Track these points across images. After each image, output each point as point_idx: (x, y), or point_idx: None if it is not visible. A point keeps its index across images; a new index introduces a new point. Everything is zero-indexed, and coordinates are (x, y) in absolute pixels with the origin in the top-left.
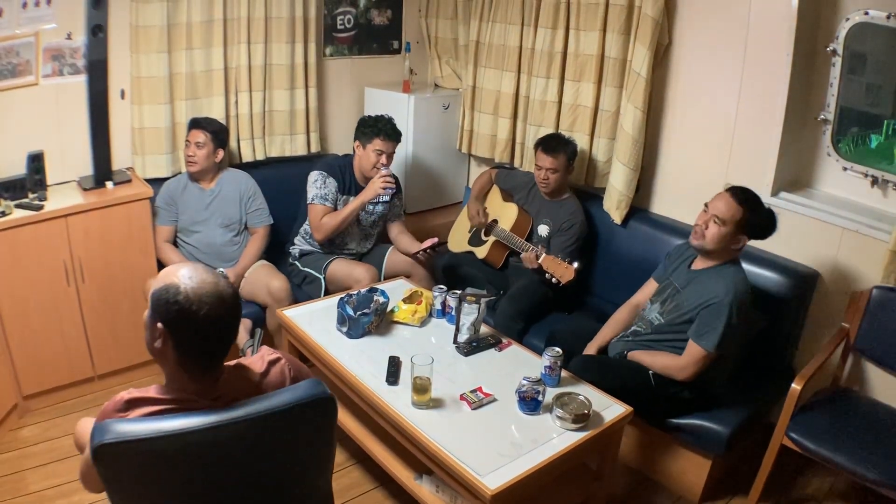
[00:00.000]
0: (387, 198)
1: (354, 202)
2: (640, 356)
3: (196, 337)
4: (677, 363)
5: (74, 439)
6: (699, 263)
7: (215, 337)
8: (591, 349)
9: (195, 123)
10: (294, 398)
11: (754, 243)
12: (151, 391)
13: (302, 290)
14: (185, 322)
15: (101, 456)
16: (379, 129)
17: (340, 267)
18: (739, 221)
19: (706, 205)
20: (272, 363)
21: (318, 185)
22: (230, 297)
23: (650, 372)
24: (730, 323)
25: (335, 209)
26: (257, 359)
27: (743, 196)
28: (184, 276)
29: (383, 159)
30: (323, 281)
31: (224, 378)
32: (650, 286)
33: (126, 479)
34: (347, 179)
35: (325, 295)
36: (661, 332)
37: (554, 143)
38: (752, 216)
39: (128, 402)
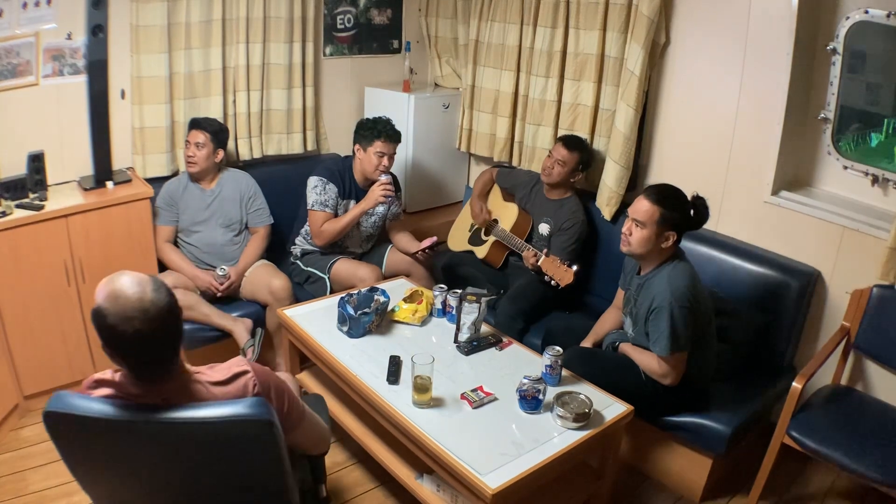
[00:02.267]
0: (389, 202)
1: (354, 210)
2: (629, 351)
3: (130, 354)
4: (657, 371)
5: None
6: (643, 269)
7: (148, 351)
8: (585, 344)
9: (195, 124)
10: (226, 414)
11: (755, 240)
12: (118, 376)
13: (305, 290)
14: (117, 342)
15: (46, 419)
16: (379, 131)
17: (344, 266)
18: (658, 220)
19: (628, 211)
20: (237, 375)
21: (317, 192)
22: (156, 309)
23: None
24: (674, 323)
25: (335, 215)
26: (225, 367)
27: (657, 195)
28: (110, 296)
29: (385, 161)
30: (328, 280)
31: (179, 382)
32: (620, 294)
33: (68, 447)
34: (347, 183)
35: (329, 294)
36: (636, 343)
37: (575, 141)
38: (669, 212)
39: (96, 381)
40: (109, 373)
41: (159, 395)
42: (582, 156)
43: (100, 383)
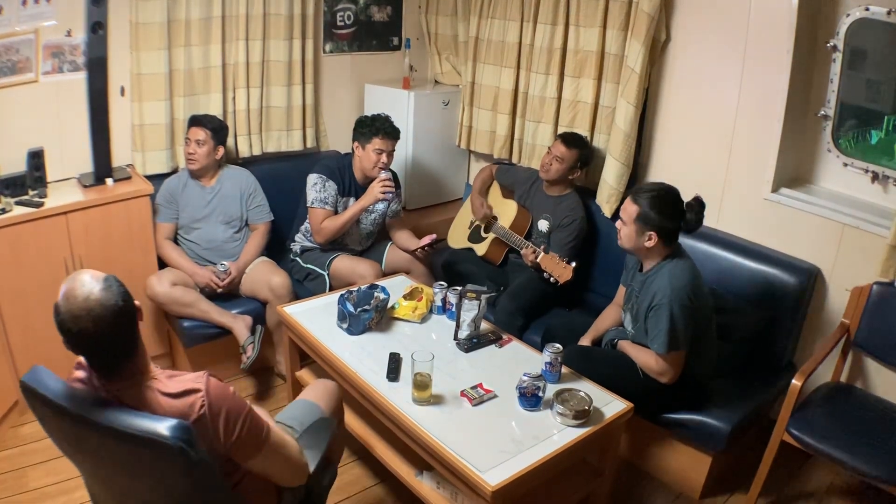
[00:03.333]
0: (388, 199)
1: (354, 207)
2: (627, 348)
3: (79, 351)
4: (655, 368)
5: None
6: (645, 266)
7: (95, 350)
8: (584, 341)
9: (195, 121)
10: (142, 428)
11: (754, 238)
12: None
13: (304, 287)
14: (66, 338)
15: (21, 388)
16: (377, 128)
17: (344, 263)
18: (635, 219)
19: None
20: (188, 392)
21: (317, 189)
22: (102, 309)
23: (638, 366)
24: (672, 321)
25: (335, 212)
26: (181, 380)
27: (641, 194)
28: (65, 294)
29: (384, 158)
30: (327, 277)
31: (131, 383)
32: (621, 291)
33: (39, 418)
34: (347, 181)
35: (329, 291)
36: (635, 340)
37: (574, 138)
38: (646, 212)
39: (78, 363)
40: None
41: (113, 394)
42: (581, 153)
43: (79, 366)
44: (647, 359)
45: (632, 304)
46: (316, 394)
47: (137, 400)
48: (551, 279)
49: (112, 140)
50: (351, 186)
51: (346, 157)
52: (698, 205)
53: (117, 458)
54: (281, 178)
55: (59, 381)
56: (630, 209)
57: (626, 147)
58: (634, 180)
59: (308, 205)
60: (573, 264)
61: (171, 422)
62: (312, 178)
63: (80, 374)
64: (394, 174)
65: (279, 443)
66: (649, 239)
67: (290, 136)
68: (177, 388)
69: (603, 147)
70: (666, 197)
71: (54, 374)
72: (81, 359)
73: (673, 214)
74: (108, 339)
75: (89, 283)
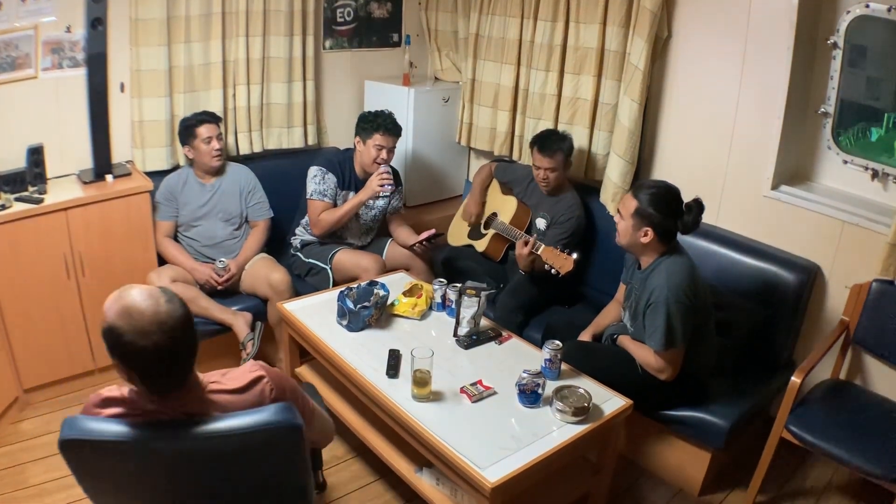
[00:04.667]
0: (387, 194)
1: (353, 200)
2: (627, 344)
3: (148, 369)
4: (653, 365)
5: None
6: (642, 263)
7: (166, 365)
8: (585, 336)
9: (209, 118)
10: (255, 423)
11: (754, 235)
12: (126, 393)
13: (306, 283)
14: (134, 359)
15: (64, 449)
16: (378, 124)
17: (346, 257)
18: (633, 214)
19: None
20: (254, 382)
21: (316, 181)
22: (172, 320)
23: (637, 362)
24: (669, 319)
25: (334, 205)
26: (238, 374)
27: (641, 190)
28: (122, 312)
29: (383, 154)
30: (330, 271)
31: (194, 394)
32: (622, 289)
33: (85, 472)
34: (347, 174)
35: (332, 285)
36: (635, 337)
37: (550, 142)
38: (644, 208)
39: (105, 399)
40: (116, 389)
41: (176, 409)
42: (564, 148)
43: (108, 402)
44: (645, 355)
45: (631, 302)
46: None
47: (206, 408)
48: (553, 271)
49: (112, 136)
50: (351, 180)
51: (348, 152)
52: (697, 207)
53: (207, 468)
54: (282, 174)
55: (106, 420)
56: (629, 204)
57: (630, 144)
58: (636, 177)
59: (307, 197)
60: (574, 255)
61: (274, 407)
62: (313, 171)
63: (116, 409)
64: (395, 171)
65: (318, 411)
66: (645, 235)
67: (290, 133)
68: (240, 383)
69: (603, 144)
70: (666, 195)
71: (93, 417)
72: (110, 393)
73: (671, 213)
74: (180, 351)
75: (151, 297)
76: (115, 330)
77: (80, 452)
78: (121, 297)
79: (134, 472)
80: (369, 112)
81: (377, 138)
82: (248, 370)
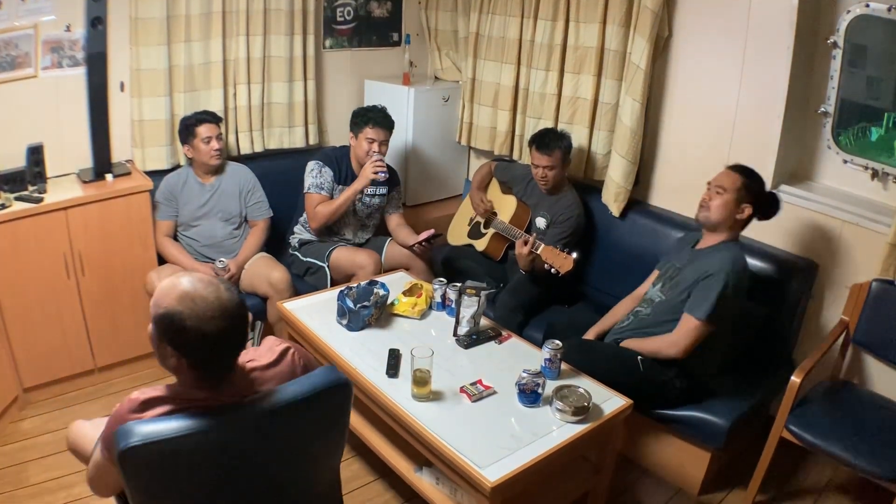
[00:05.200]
0: (383, 190)
1: (348, 190)
2: (632, 343)
3: (210, 355)
4: (669, 339)
5: (70, 445)
6: (702, 243)
7: (227, 349)
8: (589, 335)
9: (209, 117)
10: (313, 387)
11: (754, 234)
12: (165, 390)
13: (305, 282)
14: (197, 344)
15: (127, 459)
16: (368, 117)
17: (343, 254)
18: (739, 188)
19: (709, 183)
20: (282, 354)
21: (313, 175)
22: (233, 306)
23: (639, 357)
24: (724, 294)
25: (331, 198)
26: (265, 350)
27: (741, 167)
28: (183, 299)
29: (375, 147)
30: (327, 269)
31: (239, 375)
32: (653, 276)
33: (151, 479)
34: (344, 169)
35: (330, 284)
36: (660, 309)
37: (548, 140)
38: (750, 182)
39: (143, 402)
40: (151, 391)
41: (228, 393)
42: (562, 146)
43: (149, 404)
44: (655, 342)
45: (667, 277)
46: None
47: (250, 385)
48: (552, 270)
49: (111, 136)
50: (347, 175)
51: (345, 149)
52: (776, 197)
53: (282, 434)
54: (282, 174)
55: (167, 420)
56: (733, 178)
57: (632, 144)
58: (637, 178)
59: (304, 191)
60: (574, 255)
61: (322, 370)
62: (310, 165)
63: (162, 408)
64: (393, 170)
65: None
66: (742, 211)
67: (291, 133)
68: (272, 356)
69: (603, 144)
70: (759, 175)
71: (143, 421)
72: (147, 395)
73: (766, 193)
74: (240, 336)
75: (211, 283)
76: (176, 315)
77: (144, 458)
78: (178, 284)
79: (202, 464)
80: (361, 107)
81: (367, 131)
82: (274, 344)
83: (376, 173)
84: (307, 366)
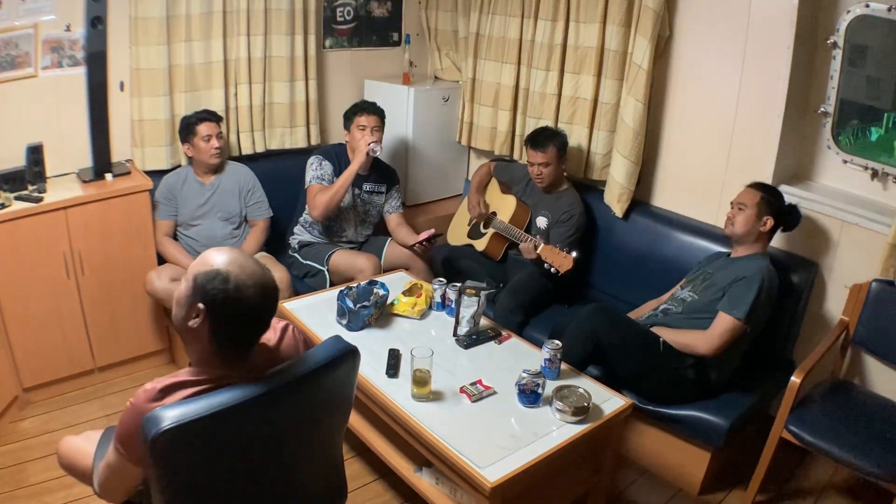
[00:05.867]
0: (382, 188)
1: (345, 172)
2: (663, 331)
3: (235, 323)
4: (704, 336)
5: (64, 462)
6: (735, 253)
7: (254, 325)
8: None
9: (210, 116)
10: (328, 355)
11: None
12: (182, 375)
13: (304, 284)
14: (230, 308)
15: (159, 445)
16: (357, 107)
17: (342, 258)
18: (758, 203)
19: (732, 202)
20: (283, 330)
21: (314, 168)
22: (273, 289)
23: (661, 340)
24: (759, 296)
25: None
26: (269, 329)
27: (759, 184)
28: (233, 262)
29: (368, 133)
30: (326, 272)
31: (254, 353)
32: (678, 284)
33: (184, 463)
34: (343, 163)
35: (329, 286)
36: (693, 309)
37: (541, 138)
38: (768, 195)
39: (161, 390)
40: (167, 378)
41: (248, 369)
42: (556, 143)
43: (167, 390)
44: (687, 336)
45: (698, 281)
46: None
47: (265, 362)
48: (552, 269)
49: (111, 135)
50: (346, 168)
51: (342, 145)
52: (796, 208)
53: (303, 406)
54: (283, 174)
55: (193, 401)
56: (751, 195)
57: (635, 144)
58: (639, 177)
59: (306, 185)
60: (574, 254)
61: (330, 340)
62: (310, 161)
63: (183, 392)
64: (392, 170)
65: None
66: (764, 224)
67: (293, 133)
68: (277, 334)
69: (603, 144)
70: (777, 190)
71: (167, 406)
72: (165, 381)
73: (785, 206)
74: (272, 314)
75: (254, 261)
76: (222, 273)
77: (178, 441)
78: (226, 251)
79: (234, 443)
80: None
81: (358, 119)
82: (275, 323)
83: (370, 146)
84: (306, 341)
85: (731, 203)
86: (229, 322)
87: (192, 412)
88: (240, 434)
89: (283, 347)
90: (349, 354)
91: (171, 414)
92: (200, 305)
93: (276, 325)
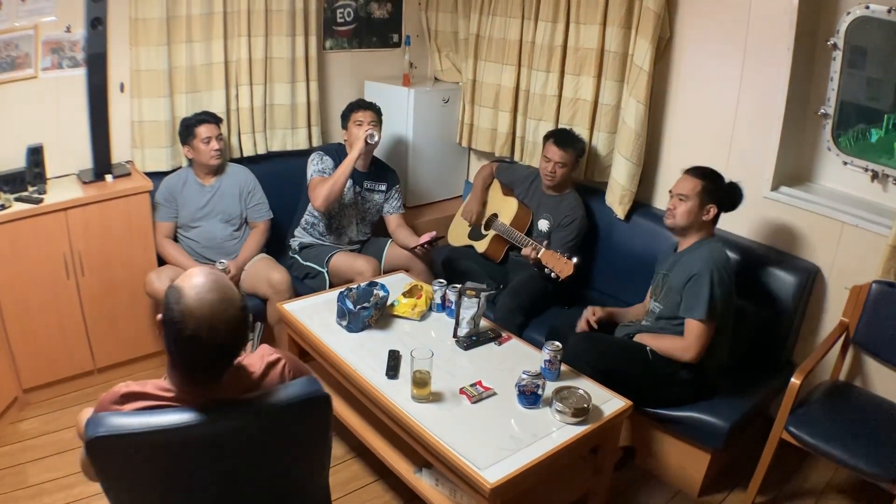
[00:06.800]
0: (383, 186)
1: (345, 161)
2: (645, 338)
3: (176, 348)
4: (681, 344)
5: (77, 430)
6: (682, 245)
7: (194, 356)
8: (599, 313)
9: (209, 118)
10: (287, 396)
11: (754, 236)
12: (149, 386)
13: (304, 285)
14: (171, 332)
15: (94, 449)
16: (353, 105)
17: (342, 260)
18: (700, 193)
19: (670, 191)
20: (271, 365)
21: (315, 163)
22: (224, 331)
23: (648, 348)
24: (713, 289)
25: None
26: (256, 359)
27: (698, 171)
28: (196, 286)
29: (365, 127)
30: (326, 275)
31: (232, 377)
32: (650, 291)
33: (118, 471)
34: (343, 159)
35: (329, 288)
36: (662, 318)
37: (566, 138)
38: (710, 183)
39: (124, 395)
40: (135, 385)
41: (211, 394)
42: (577, 148)
43: (129, 397)
44: (668, 342)
45: (661, 283)
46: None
47: (237, 390)
48: (552, 274)
49: (111, 136)
50: None
51: (343, 144)
52: (735, 184)
53: (256, 442)
54: (284, 176)
55: (140, 414)
56: (691, 184)
57: (637, 146)
58: (640, 179)
59: (308, 180)
60: (574, 260)
61: (301, 380)
62: (311, 157)
63: (140, 403)
64: (392, 171)
65: None
66: (707, 212)
67: (294, 135)
68: (261, 368)
69: (603, 145)
70: (719, 175)
71: (118, 413)
72: (129, 388)
73: (727, 189)
74: (222, 352)
75: (220, 294)
76: (179, 294)
77: (111, 449)
78: (207, 275)
79: (170, 465)
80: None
81: (354, 116)
82: (266, 354)
83: (367, 132)
84: (296, 378)
85: (671, 192)
86: (172, 344)
87: (128, 426)
88: (179, 457)
89: (265, 383)
90: (316, 400)
91: (110, 422)
92: (159, 317)
93: (269, 356)
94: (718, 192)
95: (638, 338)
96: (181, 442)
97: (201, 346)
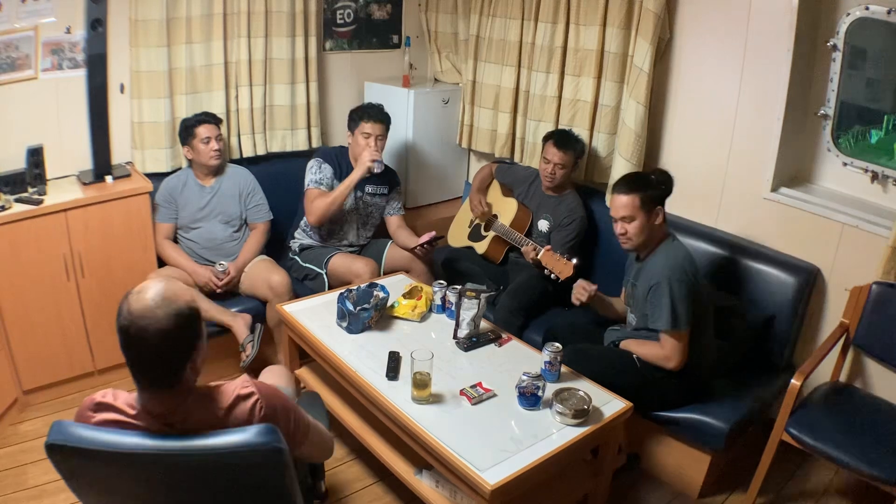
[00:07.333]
0: (384, 189)
1: (345, 181)
2: (631, 345)
3: (123, 350)
4: (661, 353)
5: None
6: (642, 254)
7: (128, 354)
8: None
9: (209, 118)
10: (233, 442)
11: (754, 237)
12: (121, 399)
13: (304, 286)
14: (118, 331)
15: (49, 452)
16: (363, 112)
17: (341, 262)
18: (639, 206)
19: (612, 216)
20: (242, 398)
21: (313, 171)
22: (139, 338)
23: (634, 356)
24: (673, 297)
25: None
26: (230, 389)
27: (626, 185)
28: (142, 288)
29: (371, 142)
30: (325, 276)
31: (188, 405)
32: (624, 293)
33: (74, 475)
34: (343, 167)
35: (328, 290)
36: (640, 327)
37: (566, 139)
38: (644, 191)
39: (98, 404)
40: (110, 394)
41: (171, 416)
42: (577, 149)
43: (100, 407)
44: (651, 349)
45: (631, 292)
46: (279, 379)
47: (201, 422)
48: (552, 276)
49: (111, 137)
50: (346, 172)
51: (344, 148)
52: (662, 171)
53: (189, 483)
54: (284, 177)
55: (93, 428)
56: (629, 199)
57: (636, 147)
58: None
59: (305, 188)
60: (574, 261)
61: (256, 428)
62: (310, 164)
63: (110, 416)
64: (393, 172)
65: (315, 426)
66: (656, 215)
67: (294, 136)
68: (228, 402)
69: (603, 146)
70: (643, 175)
71: (82, 424)
72: (103, 398)
73: (658, 186)
74: (152, 362)
75: (162, 303)
76: (128, 298)
77: (64, 456)
78: (163, 282)
79: (115, 480)
80: (358, 105)
81: (363, 126)
82: (238, 387)
83: (373, 162)
84: (266, 418)
85: (614, 218)
86: (120, 344)
87: (79, 439)
88: (129, 477)
89: (231, 416)
90: (263, 453)
91: (66, 431)
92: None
93: (242, 389)
94: (654, 192)
95: (624, 345)
96: (127, 464)
97: (129, 341)
